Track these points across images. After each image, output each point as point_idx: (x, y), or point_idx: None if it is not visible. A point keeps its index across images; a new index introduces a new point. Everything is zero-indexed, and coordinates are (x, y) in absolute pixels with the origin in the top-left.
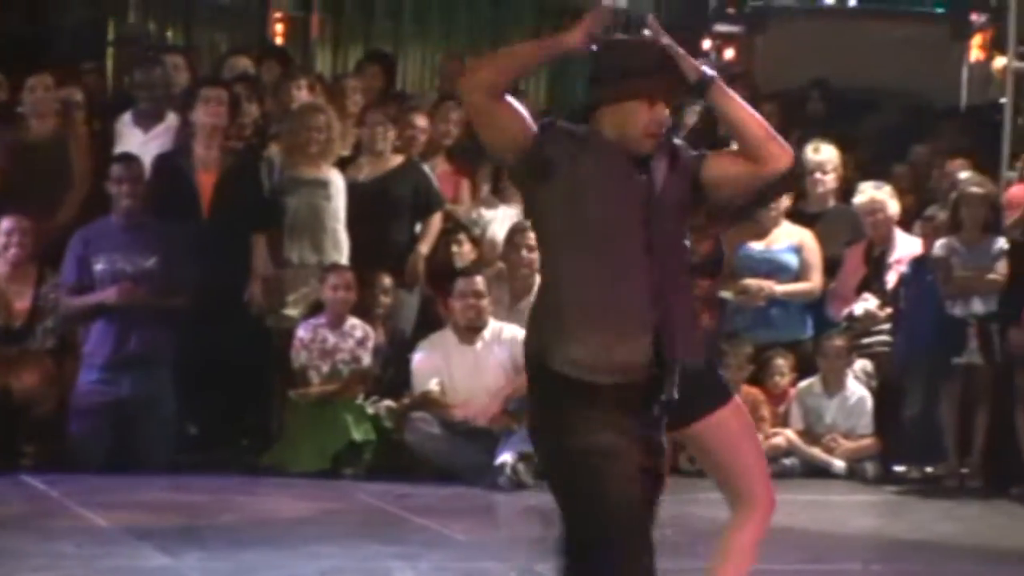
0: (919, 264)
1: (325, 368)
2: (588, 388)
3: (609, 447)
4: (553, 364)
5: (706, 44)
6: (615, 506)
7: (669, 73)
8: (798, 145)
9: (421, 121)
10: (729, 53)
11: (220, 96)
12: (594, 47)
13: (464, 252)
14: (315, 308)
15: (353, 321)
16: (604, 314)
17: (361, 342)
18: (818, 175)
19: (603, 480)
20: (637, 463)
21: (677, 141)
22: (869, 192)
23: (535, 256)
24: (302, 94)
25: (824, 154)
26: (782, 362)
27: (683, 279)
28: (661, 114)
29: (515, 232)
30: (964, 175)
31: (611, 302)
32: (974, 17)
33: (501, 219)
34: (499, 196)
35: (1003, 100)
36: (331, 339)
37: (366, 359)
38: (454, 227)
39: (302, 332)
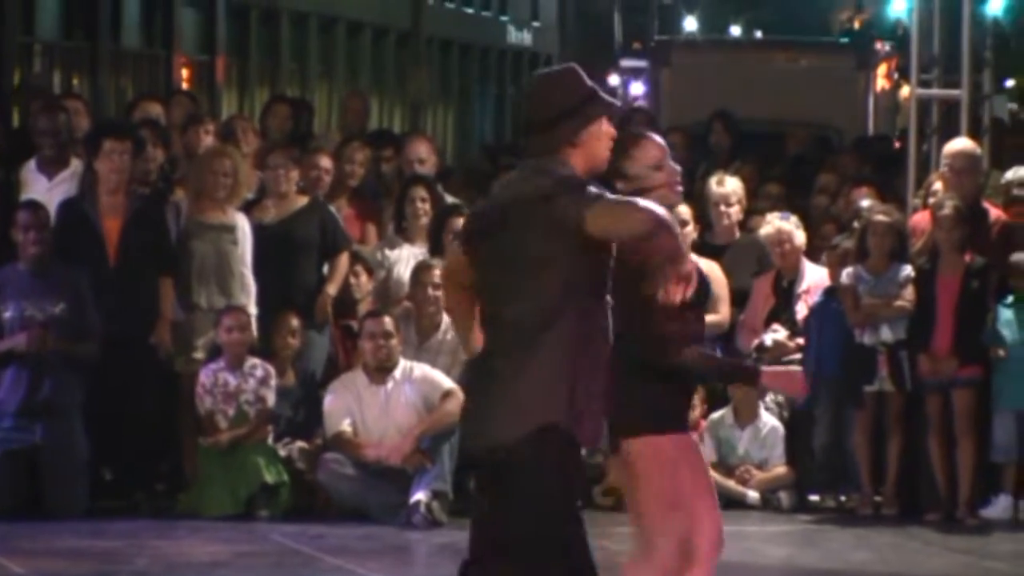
0: (827, 293)
1: (231, 411)
2: None
3: None
4: None
5: (613, 79)
6: None
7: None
8: (703, 178)
9: (326, 162)
10: (637, 87)
11: (123, 148)
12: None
13: (361, 283)
14: (218, 352)
15: (253, 361)
16: None
17: (263, 381)
18: (723, 207)
19: None
20: None
21: None
22: (776, 223)
23: (440, 293)
24: (209, 139)
25: (728, 186)
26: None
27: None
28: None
29: (421, 270)
30: (867, 203)
31: None
32: (879, 46)
33: (406, 259)
34: (403, 236)
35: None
36: (232, 381)
37: (270, 398)
38: (351, 258)
39: (203, 377)
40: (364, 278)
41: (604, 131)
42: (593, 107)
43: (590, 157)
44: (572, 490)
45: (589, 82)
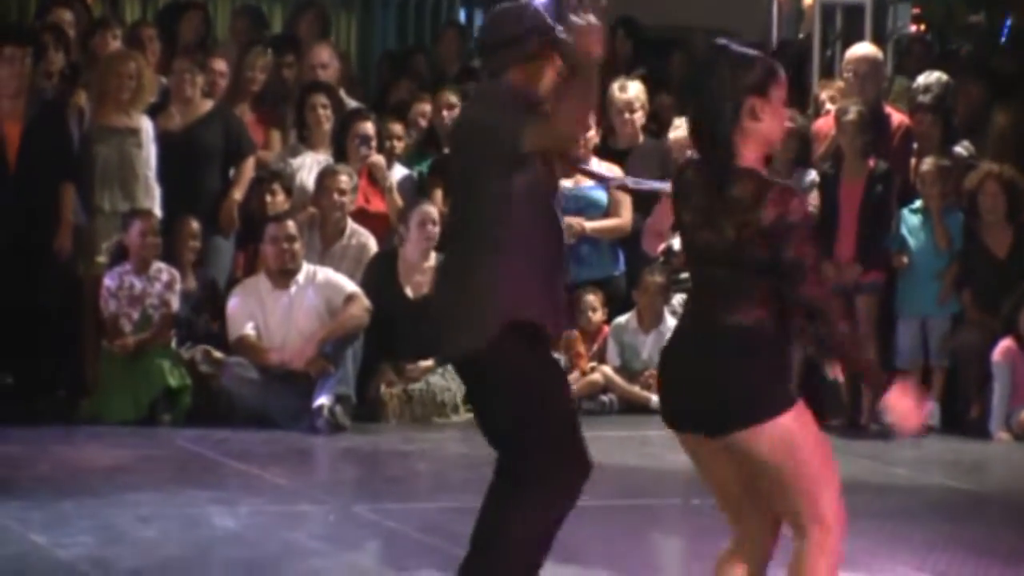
0: None
1: (135, 315)
2: None
3: None
4: None
5: None
6: None
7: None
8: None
9: (220, 65)
10: None
11: (23, 53)
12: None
13: (278, 202)
14: (120, 256)
15: (159, 265)
16: None
17: (168, 285)
18: (626, 114)
19: None
20: None
21: None
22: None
23: (346, 199)
24: (116, 43)
25: (631, 91)
26: (592, 298)
27: None
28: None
29: (325, 176)
30: None
31: None
32: None
33: (309, 166)
34: (305, 143)
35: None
36: (138, 285)
37: (175, 303)
38: (268, 176)
39: (108, 281)
40: (281, 197)
41: (554, 65)
42: (541, 41)
43: (533, 84)
44: (552, 380)
45: (546, 19)
